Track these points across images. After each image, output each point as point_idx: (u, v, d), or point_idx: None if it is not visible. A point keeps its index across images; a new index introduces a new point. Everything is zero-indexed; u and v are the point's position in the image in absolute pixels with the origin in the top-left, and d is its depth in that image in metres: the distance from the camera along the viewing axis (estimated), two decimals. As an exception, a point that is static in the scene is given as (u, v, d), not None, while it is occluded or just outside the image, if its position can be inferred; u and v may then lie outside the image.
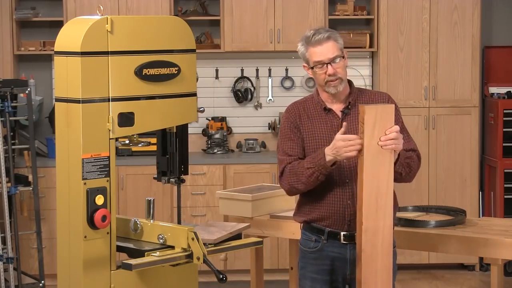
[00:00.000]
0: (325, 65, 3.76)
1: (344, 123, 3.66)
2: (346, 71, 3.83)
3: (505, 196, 7.33)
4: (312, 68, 3.80)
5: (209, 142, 7.50)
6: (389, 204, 3.62)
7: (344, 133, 3.62)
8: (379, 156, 3.57)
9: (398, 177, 3.77)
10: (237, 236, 4.01)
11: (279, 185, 3.96)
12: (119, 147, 6.78)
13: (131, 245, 3.86)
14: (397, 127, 3.57)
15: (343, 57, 3.79)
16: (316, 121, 3.85)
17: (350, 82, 3.91)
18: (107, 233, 3.71)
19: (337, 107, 3.85)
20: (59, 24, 6.57)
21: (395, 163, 3.66)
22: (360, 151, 3.56)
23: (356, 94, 3.89)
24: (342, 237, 3.82)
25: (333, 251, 3.85)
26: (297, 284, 4.07)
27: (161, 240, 3.84)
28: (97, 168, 3.68)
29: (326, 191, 3.81)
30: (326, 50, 3.76)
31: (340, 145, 3.60)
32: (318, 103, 3.88)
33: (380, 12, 7.29)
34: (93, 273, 3.67)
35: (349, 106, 3.85)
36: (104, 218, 3.66)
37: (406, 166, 3.77)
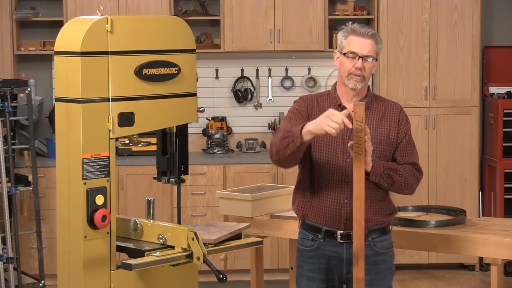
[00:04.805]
0: (357, 57, 3.77)
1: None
2: (371, 75, 3.85)
3: (505, 196, 7.33)
4: (344, 54, 3.79)
5: (209, 142, 7.50)
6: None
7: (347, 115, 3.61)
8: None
9: (384, 188, 3.85)
10: (237, 236, 4.01)
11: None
12: (119, 147, 6.78)
13: (131, 245, 3.86)
14: (367, 128, 3.62)
15: (376, 60, 3.81)
16: None
17: (367, 87, 3.92)
18: (107, 233, 3.71)
19: (352, 106, 3.79)
20: (59, 24, 6.57)
21: (370, 173, 3.72)
22: (359, 148, 3.57)
23: (371, 98, 3.90)
24: (338, 236, 3.83)
25: (330, 250, 3.85)
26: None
27: (161, 240, 3.84)
28: (97, 168, 3.68)
29: (325, 189, 3.82)
30: (365, 45, 3.77)
31: (325, 114, 3.58)
32: (333, 99, 3.88)
33: (380, 12, 7.29)
34: (93, 273, 3.67)
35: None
36: (104, 218, 3.66)
37: (387, 177, 3.79)
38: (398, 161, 3.86)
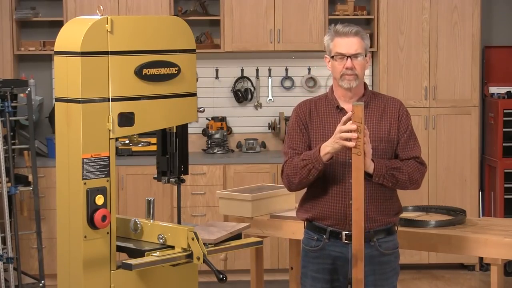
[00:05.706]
0: (345, 57, 3.77)
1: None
2: (364, 71, 3.84)
3: (505, 196, 7.33)
4: (332, 57, 3.80)
5: (209, 142, 7.50)
6: None
7: (347, 119, 3.64)
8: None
9: (389, 187, 3.84)
10: (237, 236, 4.01)
11: (281, 184, 3.96)
12: (119, 147, 6.78)
13: (131, 245, 3.86)
14: (366, 130, 3.65)
15: (365, 55, 3.80)
16: (327, 120, 3.86)
17: (365, 84, 3.92)
18: (107, 233, 3.71)
19: (349, 107, 3.80)
20: (59, 24, 6.56)
21: (373, 175, 3.73)
22: (358, 148, 3.57)
23: (370, 96, 3.89)
24: (343, 237, 3.83)
25: (335, 250, 3.85)
26: (298, 283, 4.07)
27: (161, 240, 3.84)
28: (97, 168, 3.68)
29: (329, 190, 3.82)
30: (350, 44, 3.77)
31: (335, 133, 3.65)
32: (331, 101, 3.88)
33: (380, 12, 7.29)
34: (93, 273, 3.68)
35: None
36: (104, 218, 3.66)
37: (390, 177, 3.79)
38: (400, 156, 3.86)
